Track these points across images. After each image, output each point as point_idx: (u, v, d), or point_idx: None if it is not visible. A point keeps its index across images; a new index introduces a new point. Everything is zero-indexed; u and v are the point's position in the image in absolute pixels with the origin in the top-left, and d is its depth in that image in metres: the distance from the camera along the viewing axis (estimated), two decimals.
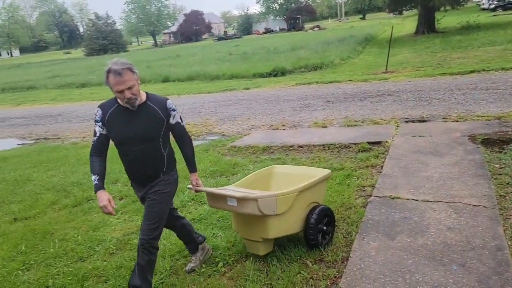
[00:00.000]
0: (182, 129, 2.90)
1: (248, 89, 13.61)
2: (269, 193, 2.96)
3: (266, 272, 3.04)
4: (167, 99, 2.81)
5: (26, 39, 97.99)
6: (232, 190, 3.16)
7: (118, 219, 4.34)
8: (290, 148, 6.27)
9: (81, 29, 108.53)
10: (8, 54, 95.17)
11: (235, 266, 3.19)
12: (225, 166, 5.65)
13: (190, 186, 3.09)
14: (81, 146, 8.17)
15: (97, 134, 2.71)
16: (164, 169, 2.82)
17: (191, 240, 3.23)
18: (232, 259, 3.28)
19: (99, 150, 2.72)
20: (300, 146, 6.30)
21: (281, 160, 5.65)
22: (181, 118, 2.89)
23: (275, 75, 15.79)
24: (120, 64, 2.54)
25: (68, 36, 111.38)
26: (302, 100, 10.24)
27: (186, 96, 13.98)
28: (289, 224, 3.10)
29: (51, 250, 3.78)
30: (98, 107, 2.72)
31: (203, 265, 3.23)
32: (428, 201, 3.79)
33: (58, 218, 4.56)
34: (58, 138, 9.52)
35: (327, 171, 3.40)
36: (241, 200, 2.89)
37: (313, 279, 2.91)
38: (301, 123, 7.93)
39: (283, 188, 3.14)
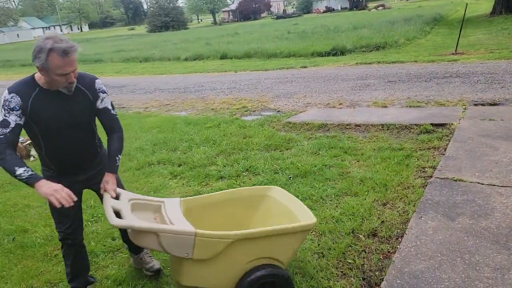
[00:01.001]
0: (112, 118, 2.48)
1: (305, 67, 13.41)
2: (185, 229, 2.18)
3: (318, 242, 3.07)
4: (96, 78, 2.42)
5: (95, 15, 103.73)
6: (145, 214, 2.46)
7: (177, 183, 4.56)
8: (347, 127, 6.14)
9: (145, 6, 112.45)
10: (78, 29, 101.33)
11: None
12: (279, 141, 5.68)
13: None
14: (144, 116, 8.59)
15: (12, 125, 2.16)
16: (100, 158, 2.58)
17: None
18: None
19: (12, 143, 2.17)
20: (357, 125, 6.14)
21: (336, 138, 5.57)
22: (112, 105, 2.48)
23: (335, 54, 15.37)
24: (66, 42, 2.10)
25: (133, 13, 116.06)
26: (361, 80, 9.92)
27: (242, 72, 14.08)
28: (214, 277, 2.30)
29: None
30: (12, 92, 2.19)
31: None
32: (494, 185, 3.57)
33: (123, 179, 4.85)
34: (123, 107, 10.07)
35: (311, 221, 2.42)
36: (138, 232, 2.20)
37: (365, 252, 2.89)
38: (359, 102, 7.71)
39: (247, 223, 2.66)
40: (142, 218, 2.32)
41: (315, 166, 4.54)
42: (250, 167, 4.78)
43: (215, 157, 5.30)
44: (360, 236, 3.09)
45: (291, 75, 12.05)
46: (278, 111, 7.80)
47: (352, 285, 2.55)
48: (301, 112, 7.44)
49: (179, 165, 5.16)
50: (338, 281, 2.60)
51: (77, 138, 2.40)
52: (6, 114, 2.17)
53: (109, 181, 2.42)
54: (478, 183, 3.65)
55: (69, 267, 2.67)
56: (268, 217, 2.70)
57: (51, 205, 2.12)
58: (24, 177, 2.07)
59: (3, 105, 2.18)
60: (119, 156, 2.48)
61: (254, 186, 3.07)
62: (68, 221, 2.54)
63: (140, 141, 6.43)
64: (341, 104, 7.72)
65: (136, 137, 6.75)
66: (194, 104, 9.37)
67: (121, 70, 19.02)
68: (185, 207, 2.58)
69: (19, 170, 2.07)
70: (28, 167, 2.12)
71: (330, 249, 2.95)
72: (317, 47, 16.63)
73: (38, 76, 2.24)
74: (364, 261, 2.79)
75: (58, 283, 2.96)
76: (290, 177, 4.34)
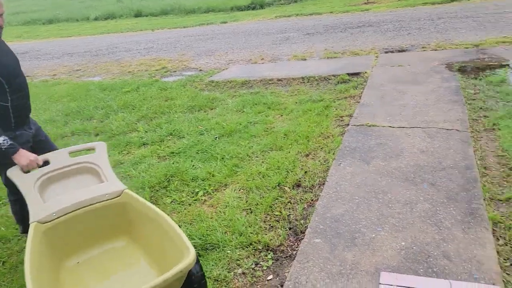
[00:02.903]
0: None
1: (225, 23, 13.07)
2: None
3: (246, 199, 3.11)
4: None
5: None
6: None
7: None
8: (269, 82, 6.18)
9: None
10: None
11: (215, 194, 3.24)
12: (203, 101, 5.56)
13: None
14: (52, 84, 7.86)
15: None
16: None
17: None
18: (212, 188, 3.33)
19: None
20: (279, 80, 6.21)
21: (260, 94, 5.59)
22: None
23: (254, 8, 15.15)
24: None
25: None
26: (281, 33, 9.94)
27: (160, 31, 13.37)
28: None
29: None
30: None
31: (183, 195, 3.28)
32: (403, 127, 3.86)
33: None
34: (27, 76, 9.10)
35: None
36: None
37: (290, 203, 3.00)
38: (280, 56, 7.75)
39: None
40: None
41: (240, 124, 4.54)
42: (174, 130, 4.65)
43: (136, 123, 5.06)
44: (286, 188, 3.19)
45: (211, 32, 11.69)
46: (200, 70, 7.59)
47: (280, 236, 2.65)
48: (223, 69, 7.31)
49: (97, 135, 4.86)
50: (266, 234, 2.68)
51: (26, 85, 2.42)
52: None
53: None
54: (390, 126, 3.92)
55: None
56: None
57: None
58: (6, 146, 2.17)
59: None
60: None
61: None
62: None
63: (49, 112, 5.89)
64: (262, 59, 7.70)
65: (44, 108, 6.17)
66: (109, 67, 8.75)
67: (22, 34, 17.03)
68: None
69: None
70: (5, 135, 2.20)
71: (257, 204, 3.02)
72: (237, 2, 16.21)
73: None
74: (290, 212, 2.90)
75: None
76: (216, 138, 4.31)
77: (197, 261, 1.98)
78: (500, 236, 2.35)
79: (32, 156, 2.26)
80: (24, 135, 2.44)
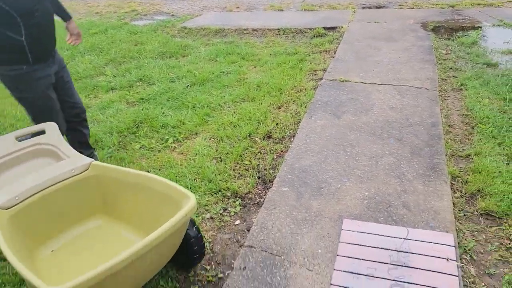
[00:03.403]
0: None
1: None
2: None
3: (216, 148, 3.11)
4: None
5: None
6: None
7: None
8: (244, 32, 6.01)
9: None
10: None
11: (185, 142, 3.22)
12: (175, 48, 5.37)
13: (69, 39, 2.75)
14: None
15: None
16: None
17: None
18: (182, 136, 3.29)
19: None
20: (255, 30, 6.05)
21: (234, 44, 5.44)
22: None
23: None
24: None
25: None
26: None
27: None
28: None
29: None
30: None
31: (153, 141, 3.23)
32: (375, 83, 3.89)
33: None
34: None
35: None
36: None
37: (260, 153, 3.03)
38: (256, 5, 7.51)
39: None
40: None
41: (213, 73, 4.44)
42: (143, 76, 4.50)
43: (104, 67, 4.85)
44: (256, 139, 3.20)
45: None
46: (173, 15, 7.26)
47: (248, 184, 2.69)
48: (197, 16, 7.03)
49: None
50: (235, 182, 2.71)
51: (48, 21, 2.34)
52: None
53: (77, 27, 2.78)
54: (362, 82, 3.94)
55: None
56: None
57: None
58: None
59: None
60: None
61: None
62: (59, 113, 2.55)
63: None
64: (238, 7, 7.44)
65: None
66: (75, 7, 8.21)
67: None
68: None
69: None
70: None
71: (228, 153, 3.02)
72: None
73: None
74: (259, 162, 2.93)
75: None
76: (187, 86, 4.20)
77: (194, 224, 1.96)
78: (457, 189, 2.48)
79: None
80: (45, 69, 2.37)
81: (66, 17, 2.68)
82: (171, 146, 3.17)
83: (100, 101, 3.99)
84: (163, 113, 3.68)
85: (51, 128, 2.32)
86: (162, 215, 1.86)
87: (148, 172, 2.77)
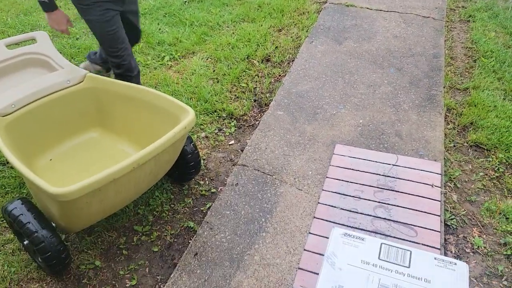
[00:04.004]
0: None
1: None
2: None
3: (213, 69, 3.05)
4: None
5: None
6: None
7: None
8: None
9: None
10: None
11: (182, 61, 3.15)
12: None
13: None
14: None
15: None
16: None
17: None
18: (179, 54, 3.21)
19: None
20: None
21: None
22: None
23: None
24: None
25: None
26: None
27: None
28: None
29: None
30: None
31: (149, 58, 3.16)
32: (381, 10, 3.73)
33: None
34: None
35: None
36: None
37: (258, 76, 2.99)
38: None
39: None
40: None
41: None
42: None
43: None
44: (254, 61, 3.13)
45: None
46: None
47: (244, 106, 2.69)
48: None
49: None
50: (231, 103, 2.71)
51: None
52: None
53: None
54: (367, 8, 3.78)
55: None
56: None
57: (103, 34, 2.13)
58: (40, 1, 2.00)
59: None
60: None
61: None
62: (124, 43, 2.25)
63: None
64: None
65: None
66: None
67: None
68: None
69: None
70: None
71: (225, 74, 2.98)
72: None
73: None
74: (256, 85, 2.90)
75: None
76: (185, 1, 4.01)
77: (191, 141, 1.98)
78: (451, 121, 2.51)
79: (64, 25, 2.12)
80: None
81: None
82: (168, 64, 3.11)
83: None
84: (160, 29, 3.55)
85: (42, 37, 2.25)
86: (159, 129, 1.88)
87: None
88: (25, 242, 1.69)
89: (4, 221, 1.93)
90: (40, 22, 3.61)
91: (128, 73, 2.33)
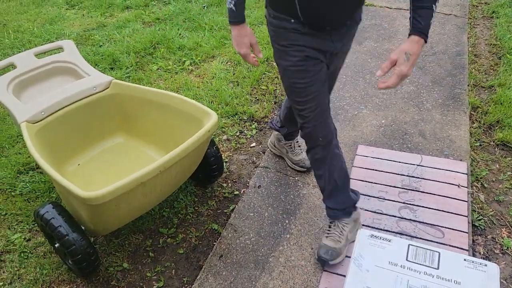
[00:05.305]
0: None
1: None
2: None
3: (233, 72, 3.08)
4: None
5: None
6: None
7: (76, 14, 4.04)
8: None
9: None
10: None
11: (202, 65, 3.18)
12: None
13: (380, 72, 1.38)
14: None
15: None
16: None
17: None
18: (199, 58, 3.25)
19: None
20: None
21: None
22: None
23: None
24: None
25: None
26: None
27: None
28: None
29: (7, 40, 3.58)
30: None
31: (170, 63, 3.21)
32: (401, 9, 3.69)
33: (9, 9, 4.19)
34: None
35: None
36: None
37: (277, 78, 2.99)
38: None
39: None
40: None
41: None
42: None
43: None
44: (274, 64, 3.14)
45: None
46: None
47: (265, 108, 2.70)
48: None
49: None
50: (252, 106, 2.73)
51: None
52: None
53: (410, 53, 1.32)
54: (387, 7, 3.74)
55: (322, 178, 1.69)
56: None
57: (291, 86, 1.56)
58: (228, 8, 1.48)
59: None
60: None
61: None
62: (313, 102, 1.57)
63: None
64: None
65: None
66: None
67: None
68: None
69: None
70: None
71: (244, 77, 3.00)
72: None
73: None
74: (276, 87, 2.91)
75: None
76: (204, 6, 4.06)
77: (214, 144, 2.01)
78: (476, 120, 2.46)
79: (246, 47, 1.51)
80: (318, 38, 1.47)
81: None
82: (188, 69, 3.15)
83: (116, 20, 3.90)
84: (180, 34, 3.60)
85: (69, 45, 2.32)
86: (183, 133, 1.91)
87: None
88: (56, 245, 1.74)
89: (36, 224, 1.99)
90: (65, 31, 3.72)
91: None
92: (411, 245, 1.24)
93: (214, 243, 1.87)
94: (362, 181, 2.09)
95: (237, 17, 1.47)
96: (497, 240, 1.79)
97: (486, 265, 1.17)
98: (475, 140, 2.31)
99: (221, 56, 3.27)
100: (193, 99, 2.77)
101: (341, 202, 1.69)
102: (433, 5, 1.30)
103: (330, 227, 1.75)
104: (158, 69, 3.15)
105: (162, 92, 1.99)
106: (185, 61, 3.23)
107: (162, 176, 1.57)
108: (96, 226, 1.64)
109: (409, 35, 1.33)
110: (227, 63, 3.19)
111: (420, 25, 1.31)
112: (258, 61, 1.43)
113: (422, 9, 1.30)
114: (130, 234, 1.94)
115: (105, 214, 1.52)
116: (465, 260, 1.19)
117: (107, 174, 2.03)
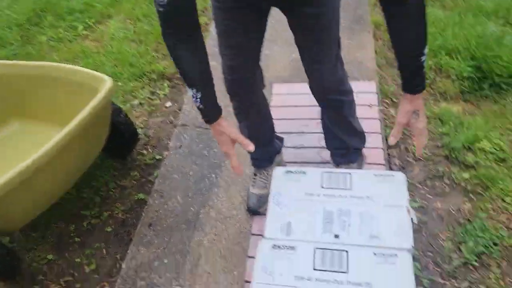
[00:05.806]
0: None
1: None
2: None
3: (133, 29, 2.86)
4: None
5: None
6: None
7: None
8: None
9: None
10: None
11: (98, 28, 2.92)
12: None
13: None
14: None
15: None
16: None
17: None
18: (93, 21, 2.98)
19: (181, 26, 1.01)
20: None
21: None
22: None
23: None
24: None
25: None
26: None
27: None
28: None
29: None
30: None
31: (60, 31, 2.89)
32: None
33: None
34: None
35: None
36: None
37: None
38: None
39: None
40: None
41: None
42: None
43: None
44: None
45: None
46: None
47: None
48: None
49: None
50: (159, 63, 2.56)
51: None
52: None
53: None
54: None
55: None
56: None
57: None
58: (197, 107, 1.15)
59: None
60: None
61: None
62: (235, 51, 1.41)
63: None
64: None
65: None
66: None
67: None
68: None
69: (191, 91, 1.12)
70: (201, 84, 1.14)
71: (147, 33, 2.81)
72: None
73: None
74: None
75: None
76: None
77: (121, 111, 1.86)
78: (380, 38, 2.51)
79: (226, 144, 1.23)
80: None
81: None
82: (83, 34, 2.87)
83: None
84: None
85: None
86: (81, 105, 1.75)
87: None
88: None
89: None
90: None
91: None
92: (325, 172, 1.26)
93: (142, 213, 1.81)
94: (282, 119, 2.08)
95: (208, 115, 1.18)
96: (409, 149, 1.90)
97: (393, 175, 1.22)
98: (380, 58, 2.37)
99: (118, 15, 3.01)
100: (94, 67, 2.54)
101: (265, 152, 1.68)
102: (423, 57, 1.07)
103: (255, 174, 1.75)
104: (48, 40, 2.84)
105: (51, 65, 1.82)
106: (77, 26, 2.93)
107: (62, 156, 1.44)
108: (3, 223, 1.50)
109: (406, 93, 1.12)
110: (125, 21, 2.95)
111: (417, 83, 1.11)
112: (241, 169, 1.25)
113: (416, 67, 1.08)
114: (49, 223, 1.81)
115: (8, 208, 1.38)
116: (374, 175, 1.23)
117: (5, 166, 1.84)
